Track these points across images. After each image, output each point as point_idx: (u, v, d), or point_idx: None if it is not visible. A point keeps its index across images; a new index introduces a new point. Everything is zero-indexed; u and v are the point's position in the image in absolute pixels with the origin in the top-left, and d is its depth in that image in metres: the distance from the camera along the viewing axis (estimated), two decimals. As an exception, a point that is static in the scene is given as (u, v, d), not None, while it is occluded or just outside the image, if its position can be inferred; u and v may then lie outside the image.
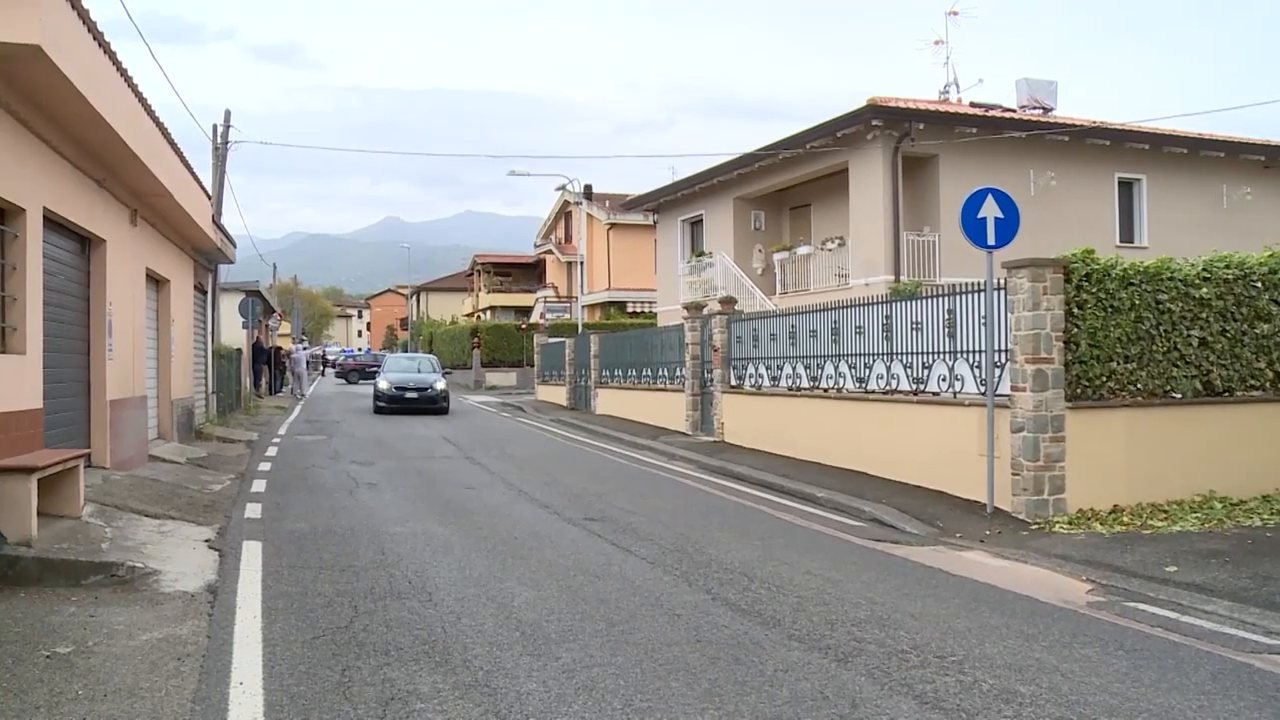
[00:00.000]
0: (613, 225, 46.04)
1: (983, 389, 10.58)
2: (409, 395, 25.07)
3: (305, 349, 37.42)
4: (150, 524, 8.66)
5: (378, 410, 25.08)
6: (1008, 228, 10.19)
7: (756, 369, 16.39)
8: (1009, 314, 10.06)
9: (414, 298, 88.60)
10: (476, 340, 44.55)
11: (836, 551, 8.53)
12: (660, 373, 21.42)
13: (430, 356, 29.07)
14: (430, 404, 25.09)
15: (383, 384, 25.37)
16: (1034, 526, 9.43)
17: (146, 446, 13.31)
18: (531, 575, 7.27)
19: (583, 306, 41.08)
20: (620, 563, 7.76)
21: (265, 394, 34.52)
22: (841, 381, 13.66)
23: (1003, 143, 20.06)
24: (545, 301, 50.74)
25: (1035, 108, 22.41)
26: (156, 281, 15.34)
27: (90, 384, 11.13)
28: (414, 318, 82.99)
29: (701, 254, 26.57)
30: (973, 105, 22.35)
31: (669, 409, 20.35)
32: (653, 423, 21.01)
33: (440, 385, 25.45)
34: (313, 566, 7.44)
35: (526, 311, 55.19)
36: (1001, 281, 10.25)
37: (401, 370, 27.08)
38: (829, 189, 22.71)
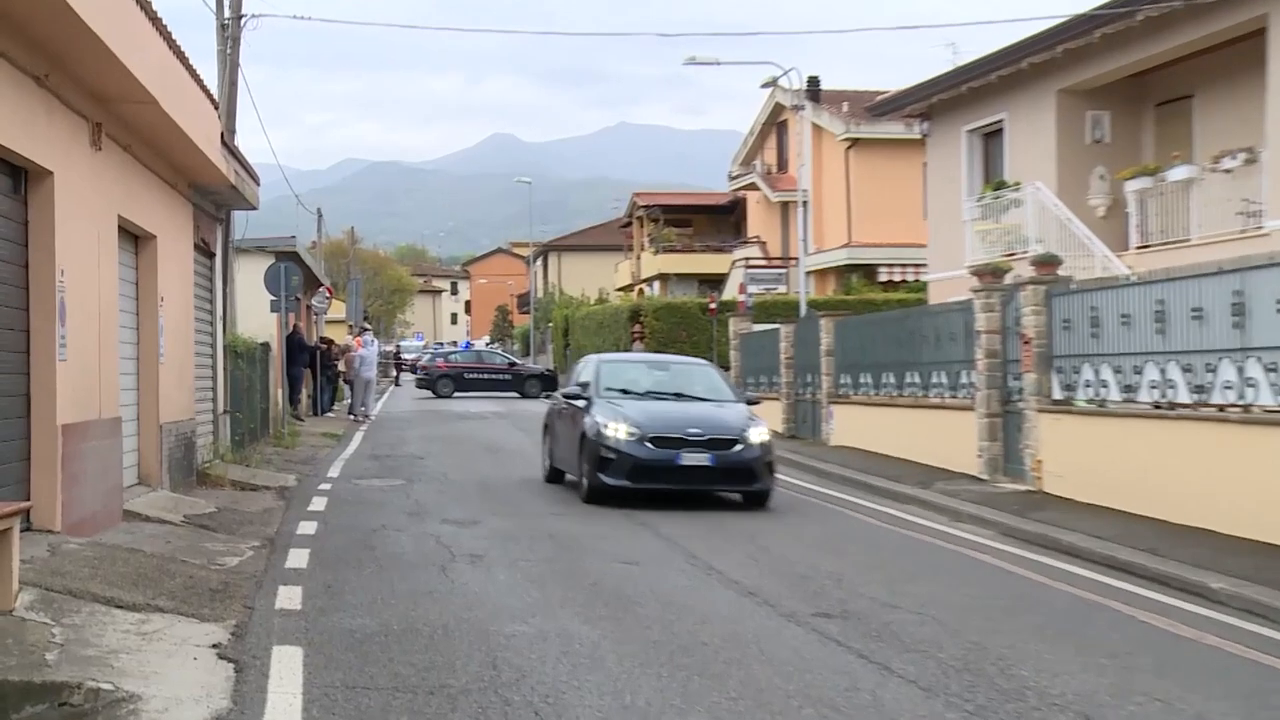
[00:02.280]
0: (854, 142, 45.65)
1: None
2: (690, 460, 16.92)
3: (371, 344, 38.53)
4: (125, 620, 8.84)
5: (598, 491, 17.08)
6: None
7: (1097, 372, 16.18)
8: None
9: (538, 262, 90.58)
10: (638, 329, 45.02)
11: (1251, 682, 8.24)
12: (934, 379, 21.18)
13: (704, 364, 21.25)
14: (741, 479, 17.23)
15: (616, 431, 17.10)
16: None
17: (120, 497, 13.69)
18: (730, 706, 7.20)
19: (806, 274, 40.79)
20: (874, 688, 7.65)
21: (308, 413, 35.72)
22: (1251, 394, 13.28)
23: None
24: (747, 267, 50.75)
25: None
26: (135, 238, 15.72)
27: (29, 399, 11.33)
28: (538, 293, 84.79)
29: (1002, 185, 26.04)
30: None
31: (949, 438, 20.00)
32: (922, 460, 20.85)
33: (757, 435, 17.28)
34: (383, 688, 7.50)
35: (716, 282, 55.39)
36: None
37: (653, 395, 18.67)
38: (1225, 69, 21.99)
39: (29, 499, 11.01)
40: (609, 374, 19.31)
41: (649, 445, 16.88)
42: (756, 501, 17.32)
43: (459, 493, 17.97)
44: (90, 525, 12.18)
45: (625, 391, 18.58)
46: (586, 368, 20.23)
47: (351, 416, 36.17)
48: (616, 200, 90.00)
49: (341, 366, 39.52)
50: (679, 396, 18.64)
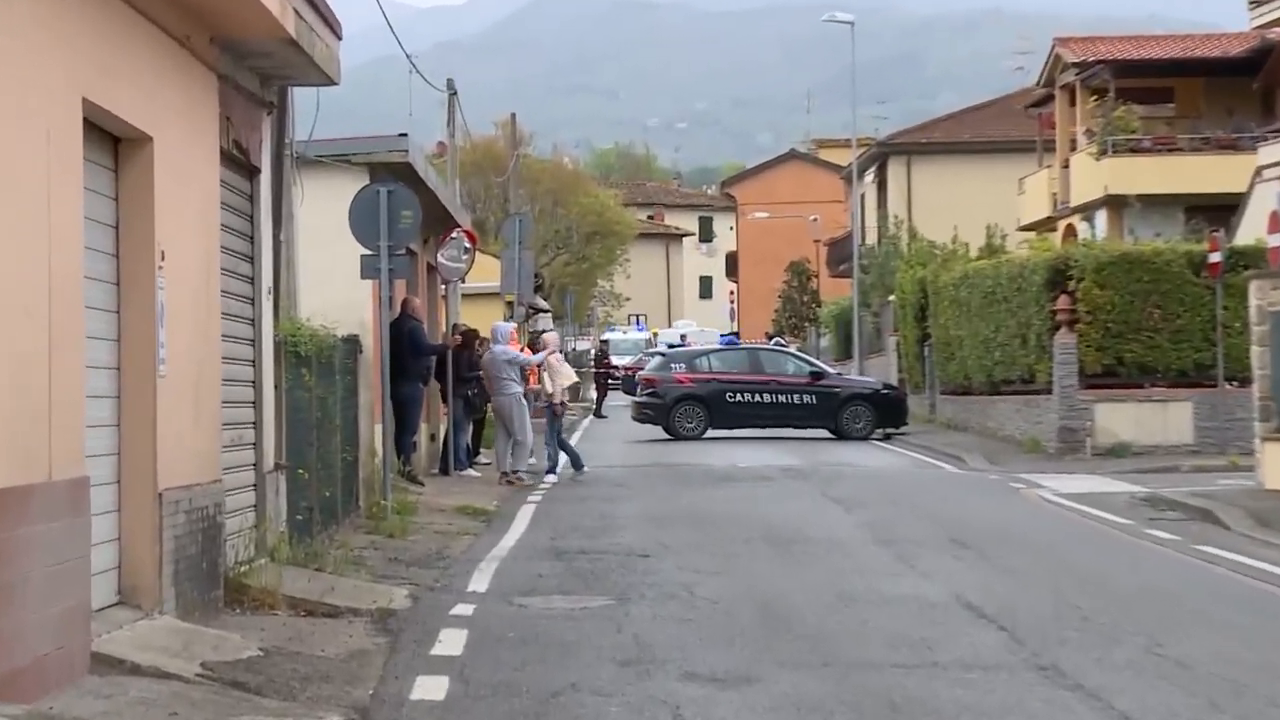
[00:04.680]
0: None
1: None
2: None
3: (549, 341, 38.55)
4: None
5: None
6: None
7: None
8: None
9: (867, 176, 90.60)
10: (1064, 309, 44.76)
11: None
12: None
13: None
14: None
15: None
16: None
17: (87, 628, 13.97)
18: None
19: (1403, 192, 39.98)
20: None
21: (431, 469, 36.63)
22: None
23: None
24: (1281, 181, 49.91)
25: None
26: (115, 141, 16.06)
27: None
28: (865, 238, 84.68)
29: None
30: None
31: None
32: None
33: None
34: None
35: (1222, 210, 54.74)
36: None
37: None
38: None
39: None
40: None
41: None
42: None
43: (717, 623, 17.98)
44: (33, 682, 12.34)
45: None
46: None
47: (505, 477, 36.56)
48: (1020, 55, 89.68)
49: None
50: None
